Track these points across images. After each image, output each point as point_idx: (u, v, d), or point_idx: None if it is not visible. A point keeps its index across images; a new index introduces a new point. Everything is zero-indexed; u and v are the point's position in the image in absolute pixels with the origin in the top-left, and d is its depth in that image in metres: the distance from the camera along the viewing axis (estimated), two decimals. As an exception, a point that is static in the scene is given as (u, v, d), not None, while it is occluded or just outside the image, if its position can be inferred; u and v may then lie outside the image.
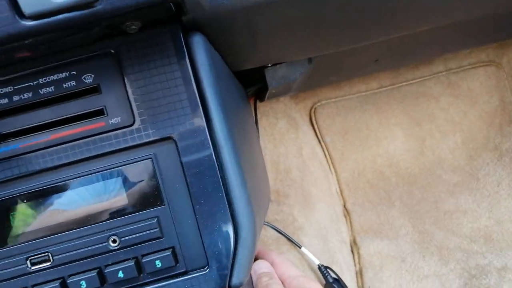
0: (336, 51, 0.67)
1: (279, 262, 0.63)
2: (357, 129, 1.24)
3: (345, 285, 0.88)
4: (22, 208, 0.47)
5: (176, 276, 0.47)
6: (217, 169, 0.46)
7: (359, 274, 1.01)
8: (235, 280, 0.47)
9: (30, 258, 0.46)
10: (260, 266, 0.62)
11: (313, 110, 1.25)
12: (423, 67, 1.26)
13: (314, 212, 1.07)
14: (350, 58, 0.80)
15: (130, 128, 0.46)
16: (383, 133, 1.24)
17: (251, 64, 0.70)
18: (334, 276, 0.89)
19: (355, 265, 1.03)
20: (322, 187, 1.17)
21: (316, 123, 1.24)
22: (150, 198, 0.47)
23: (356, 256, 1.04)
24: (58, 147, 0.46)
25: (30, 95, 0.46)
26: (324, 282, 0.89)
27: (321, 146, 1.24)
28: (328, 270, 0.90)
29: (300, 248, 0.94)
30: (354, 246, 1.07)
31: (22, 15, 0.36)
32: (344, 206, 1.19)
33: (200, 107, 0.46)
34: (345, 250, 1.05)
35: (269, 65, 0.76)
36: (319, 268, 0.90)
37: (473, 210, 1.10)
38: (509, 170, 1.14)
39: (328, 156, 1.23)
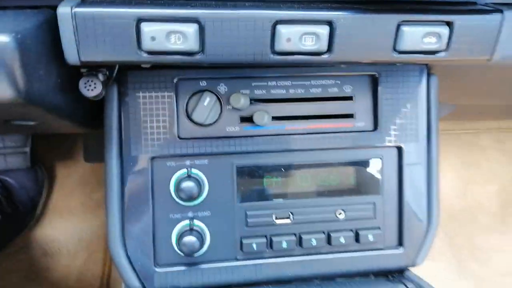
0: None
1: None
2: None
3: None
4: (275, 176, 0.60)
5: (378, 249, 0.62)
6: (426, 175, 0.62)
7: None
8: (419, 261, 0.62)
9: (275, 213, 0.60)
10: None
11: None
12: (479, 121, 1.46)
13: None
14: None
15: (371, 132, 0.61)
16: (436, 170, 1.43)
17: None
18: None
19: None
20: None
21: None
22: (372, 187, 0.62)
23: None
24: (313, 135, 0.60)
25: (303, 91, 0.60)
26: None
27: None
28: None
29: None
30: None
31: (141, 49, 0.44)
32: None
33: (426, 134, 0.61)
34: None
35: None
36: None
37: (504, 251, 1.30)
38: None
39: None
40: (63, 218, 1.35)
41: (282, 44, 0.45)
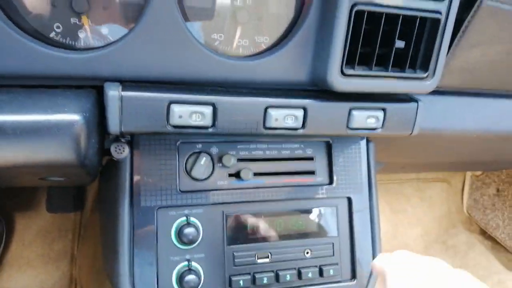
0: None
1: None
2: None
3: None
4: (255, 222, 0.74)
5: (337, 282, 0.77)
6: (370, 220, 0.80)
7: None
8: (368, 290, 0.79)
9: (257, 254, 0.73)
10: None
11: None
12: (401, 172, 1.73)
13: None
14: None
15: (328, 186, 0.78)
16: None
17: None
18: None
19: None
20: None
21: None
22: (330, 230, 0.78)
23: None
24: (285, 188, 0.76)
25: (276, 152, 0.76)
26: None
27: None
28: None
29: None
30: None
31: (169, 125, 0.59)
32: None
33: (367, 186, 0.80)
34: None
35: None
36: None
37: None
38: (452, 260, 1.60)
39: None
40: (21, 271, 1.35)
41: (271, 122, 0.61)
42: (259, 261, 0.73)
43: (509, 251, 1.61)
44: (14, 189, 1.38)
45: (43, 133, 0.47)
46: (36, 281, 1.33)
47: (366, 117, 0.66)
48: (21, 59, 0.51)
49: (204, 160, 0.71)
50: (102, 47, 0.55)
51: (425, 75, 0.64)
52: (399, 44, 0.61)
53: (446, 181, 1.78)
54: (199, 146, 0.72)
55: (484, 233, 1.72)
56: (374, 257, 0.80)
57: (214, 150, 0.72)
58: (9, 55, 0.51)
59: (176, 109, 0.57)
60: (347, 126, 0.66)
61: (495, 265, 1.56)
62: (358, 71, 0.61)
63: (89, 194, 1.41)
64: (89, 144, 0.52)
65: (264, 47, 0.64)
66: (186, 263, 0.69)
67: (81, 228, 1.42)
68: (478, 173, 1.72)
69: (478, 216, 1.73)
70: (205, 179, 0.72)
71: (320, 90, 0.64)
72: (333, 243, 0.78)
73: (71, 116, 0.48)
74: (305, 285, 0.75)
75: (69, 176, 0.59)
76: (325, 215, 0.78)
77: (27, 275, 1.34)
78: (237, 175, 0.73)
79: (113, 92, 0.54)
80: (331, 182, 0.79)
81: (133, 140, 0.67)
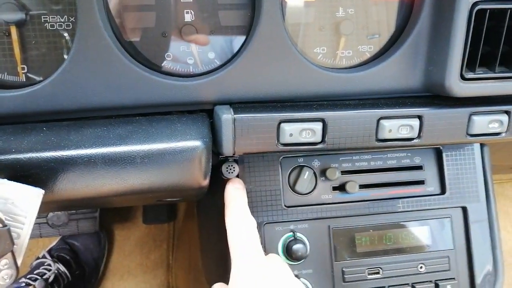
0: None
1: None
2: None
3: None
4: (364, 236, 0.71)
5: (454, 298, 0.72)
6: (489, 230, 0.73)
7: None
8: (490, 308, 0.72)
9: (367, 269, 0.70)
10: None
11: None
12: (503, 173, 1.58)
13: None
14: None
15: (440, 195, 0.73)
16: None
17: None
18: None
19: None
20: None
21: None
22: (445, 243, 0.72)
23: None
24: (393, 200, 0.72)
25: (381, 163, 0.73)
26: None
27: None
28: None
29: None
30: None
31: (279, 143, 0.57)
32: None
33: (484, 194, 0.73)
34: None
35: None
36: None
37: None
38: None
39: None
40: (123, 279, 1.44)
41: (385, 134, 0.58)
42: (370, 276, 0.70)
43: None
44: (114, 203, 1.48)
45: (169, 160, 0.49)
46: (137, 290, 1.41)
47: (488, 122, 0.60)
48: (140, 90, 0.54)
49: (307, 174, 0.69)
50: (212, 71, 0.56)
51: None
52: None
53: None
54: (301, 160, 0.71)
55: None
56: (496, 270, 0.73)
57: (316, 163, 0.71)
58: (128, 87, 0.54)
59: (286, 127, 0.56)
60: (467, 133, 0.60)
61: None
62: (479, 74, 0.56)
63: (180, 206, 1.47)
64: (208, 167, 0.53)
65: (368, 55, 0.61)
66: None
67: (175, 238, 1.48)
68: None
69: None
70: (309, 193, 0.70)
71: (435, 96, 0.59)
72: (449, 257, 0.72)
73: (194, 143, 0.50)
74: None
75: (186, 196, 0.61)
76: (438, 227, 0.73)
77: (128, 283, 1.42)
78: (341, 188, 0.71)
79: (226, 116, 0.55)
80: (443, 191, 0.73)
81: (239, 158, 0.67)
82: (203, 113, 0.58)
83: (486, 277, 0.72)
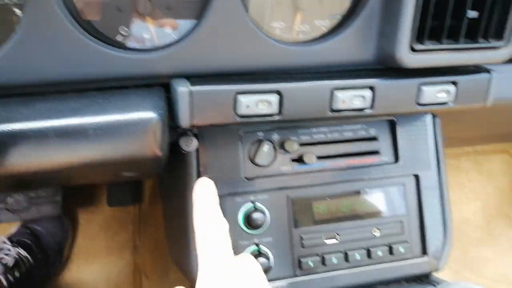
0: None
1: None
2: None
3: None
4: (321, 204, 0.74)
5: (408, 259, 0.76)
6: (439, 196, 0.77)
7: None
8: (440, 266, 0.77)
9: (325, 235, 0.73)
10: None
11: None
12: (459, 146, 1.66)
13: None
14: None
15: (394, 164, 0.76)
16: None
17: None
18: None
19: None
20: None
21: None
22: (398, 209, 0.76)
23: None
24: (349, 170, 0.75)
25: (338, 135, 0.75)
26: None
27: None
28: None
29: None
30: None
31: (237, 115, 0.58)
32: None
33: (436, 163, 0.77)
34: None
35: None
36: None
37: (494, 260, 1.47)
38: (517, 233, 1.53)
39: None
40: (88, 262, 1.42)
41: (339, 104, 0.60)
42: (327, 241, 0.73)
43: None
44: (75, 187, 1.46)
45: (122, 131, 0.49)
46: (102, 271, 1.40)
47: (436, 92, 0.63)
48: (94, 64, 0.53)
49: (266, 147, 0.71)
50: (168, 45, 0.56)
51: (499, 44, 0.60)
52: (471, 14, 0.58)
53: (507, 152, 1.69)
54: (261, 134, 0.72)
55: (550, 204, 1.64)
56: (445, 233, 0.78)
57: (276, 136, 0.72)
58: (82, 61, 0.53)
59: (243, 99, 0.57)
60: (417, 103, 0.63)
61: None
62: (428, 45, 0.58)
63: (146, 188, 1.46)
64: (163, 139, 0.53)
65: (324, 30, 0.63)
66: (255, 247, 0.70)
67: (141, 219, 1.47)
68: (540, 141, 1.63)
69: (542, 187, 1.64)
70: (268, 165, 0.72)
71: (388, 69, 0.62)
72: (401, 221, 0.76)
73: (148, 114, 0.49)
74: (375, 264, 0.74)
75: (143, 170, 0.61)
76: (392, 193, 0.76)
77: (94, 266, 1.41)
78: (300, 159, 0.73)
79: (182, 88, 0.55)
80: (396, 160, 0.77)
81: (198, 132, 0.68)
82: (160, 87, 0.58)
83: (436, 240, 0.77)
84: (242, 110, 0.57)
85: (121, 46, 0.56)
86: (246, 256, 0.51)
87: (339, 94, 0.60)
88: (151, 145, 0.51)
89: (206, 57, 0.56)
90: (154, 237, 1.41)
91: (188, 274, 0.72)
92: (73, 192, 1.46)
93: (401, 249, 0.75)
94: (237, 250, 0.70)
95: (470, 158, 1.66)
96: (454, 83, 0.64)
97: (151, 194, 1.47)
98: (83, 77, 0.54)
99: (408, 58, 0.57)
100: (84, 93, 0.54)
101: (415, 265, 0.76)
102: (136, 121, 0.49)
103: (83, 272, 1.40)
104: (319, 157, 0.74)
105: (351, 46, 0.60)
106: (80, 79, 0.54)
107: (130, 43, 0.57)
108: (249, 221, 0.70)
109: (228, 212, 0.70)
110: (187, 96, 0.55)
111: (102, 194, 1.48)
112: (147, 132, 0.50)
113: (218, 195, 0.69)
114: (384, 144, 0.77)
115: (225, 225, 0.51)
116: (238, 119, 0.58)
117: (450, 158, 1.65)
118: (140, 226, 1.47)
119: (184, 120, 0.56)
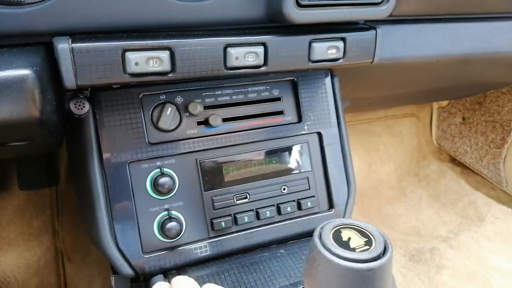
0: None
1: None
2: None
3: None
4: (230, 166, 0.75)
5: (316, 213, 0.80)
6: (341, 152, 0.82)
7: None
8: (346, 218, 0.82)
9: (235, 195, 0.75)
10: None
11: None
12: (370, 112, 1.76)
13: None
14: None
15: (297, 123, 0.79)
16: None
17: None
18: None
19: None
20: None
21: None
22: (304, 165, 0.80)
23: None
24: (255, 130, 0.77)
25: (242, 96, 0.76)
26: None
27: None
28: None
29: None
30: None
31: (126, 73, 0.56)
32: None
33: (336, 120, 0.81)
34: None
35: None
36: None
37: (405, 215, 1.60)
38: (425, 190, 1.68)
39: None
40: (3, 251, 1.33)
41: (232, 61, 0.60)
42: (238, 202, 0.75)
43: (477, 173, 1.70)
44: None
45: (-7, 91, 0.45)
46: (21, 259, 1.32)
47: (326, 48, 0.66)
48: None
49: (169, 110, 0.70)
50: (47, -1, 0.52)
51: (380, 0, 0.64)
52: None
53: (415, 116, 1.83)
54: (163, 97, 0.71)
55: (453, 161, 1.81)
56: (349, 187, 0.83)
57: (179, 99, 0.72)
58: None
59: (131, 56, 0.55)
60: (309, 59, 0.66)
61: (465, 188, 1.65)
62: (314, 1, 0.60)
63: (61, 169, 1.39)
64: (45, 100, 0.50)
65: (215, -15, 0.62)
66: (165, 212, 0.70)
67: (59, 202, 1.40)
68: (444, 104, 1.78)
69: (447, 146, 1.80)
70: (174, 129, 0.71)
71: (279, 26, 0.63)
72: (308, 177, 0.80)
73: (21, 71, 0.46)
74: (285, 219, 0.78)
75: (31, 137, 0.57)
76: (297, 151, 0.79)
77: (10, 255, 1.32)
78: (206, 122, 0.73)
79: (62, 45, 0.52)
80: (300, 119, 0.79)
81: (93, 96, 0.65)
82: (40, 45, 0.54)
83: (341, 193, 0.82)
84: (132, 68, 0.56)
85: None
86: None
87: (232, 51, 0.60)
88: (29, 106, 0.47)
89: (91, 11, 0.53)
90: (74, 219, 1.35)
91: (98, 244, 0.70)
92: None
93: (309, 204, 0.79)
94: (147, 217, 0.69)
95: (382, 122, 1.77)
96: (343, 39, 0.67)
97: (68, 175, 1.40)
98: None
99: (295, 13, 0.59)
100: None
101: (323, 218, 0.81)
102: (8, 78, 0.46)
103: (-2, 262, 1.31)
104: (225, 119, 0.75)
105: (240, 2, 0.60)
106: None
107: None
108: (156, 187, 0.69)
109: (135, 179, 0.69)
110: (69, 53, 0.52)
111: (12, 178, 1.38)
112: (22, 91, 0.47)
113: (122, 162, 0.68)
114: (287, 104, 0.79)
115: None
116: (128, 78, 0.56)
117: (364, 123, 1.75)
118: (58, 209, 1.40)
119: (69, 80, 0.53)
